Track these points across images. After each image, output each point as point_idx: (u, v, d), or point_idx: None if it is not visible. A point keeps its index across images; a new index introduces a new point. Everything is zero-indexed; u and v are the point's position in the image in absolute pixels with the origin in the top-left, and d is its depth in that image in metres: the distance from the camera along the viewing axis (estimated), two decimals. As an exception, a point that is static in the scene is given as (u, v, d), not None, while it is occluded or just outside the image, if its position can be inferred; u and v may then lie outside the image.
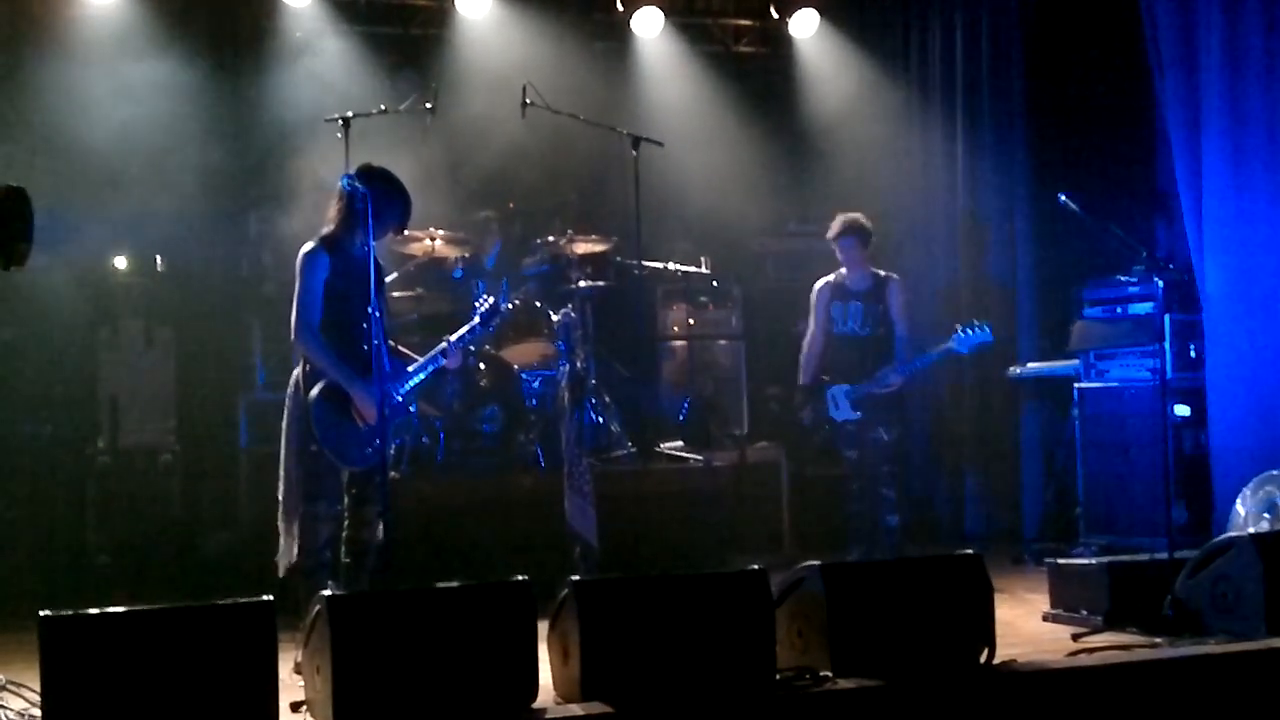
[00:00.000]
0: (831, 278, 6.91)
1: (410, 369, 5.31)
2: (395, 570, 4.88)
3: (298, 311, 5.01)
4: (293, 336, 5.05)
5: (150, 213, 7.45)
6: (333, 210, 5.15)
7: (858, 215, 6.84)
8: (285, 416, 5.05)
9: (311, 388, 4.96)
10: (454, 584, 4.23)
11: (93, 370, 7.29)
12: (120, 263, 7.63)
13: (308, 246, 5.08)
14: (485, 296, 5.74)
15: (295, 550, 4.95)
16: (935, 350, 6.71)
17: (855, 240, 6.77)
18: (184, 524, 7.12)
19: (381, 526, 4.92)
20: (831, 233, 6.83)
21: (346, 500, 5.06)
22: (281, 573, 4.96)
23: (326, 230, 5.13)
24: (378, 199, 4.94)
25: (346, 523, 5.06)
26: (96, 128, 7.26)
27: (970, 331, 6.59)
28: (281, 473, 5.02)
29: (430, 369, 5.35)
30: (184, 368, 7.43)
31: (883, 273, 6.87)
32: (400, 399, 5.27)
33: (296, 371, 5.07)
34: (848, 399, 6.72)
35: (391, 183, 5.16)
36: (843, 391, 6.73)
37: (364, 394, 4.96)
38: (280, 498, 5.02)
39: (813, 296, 6.95)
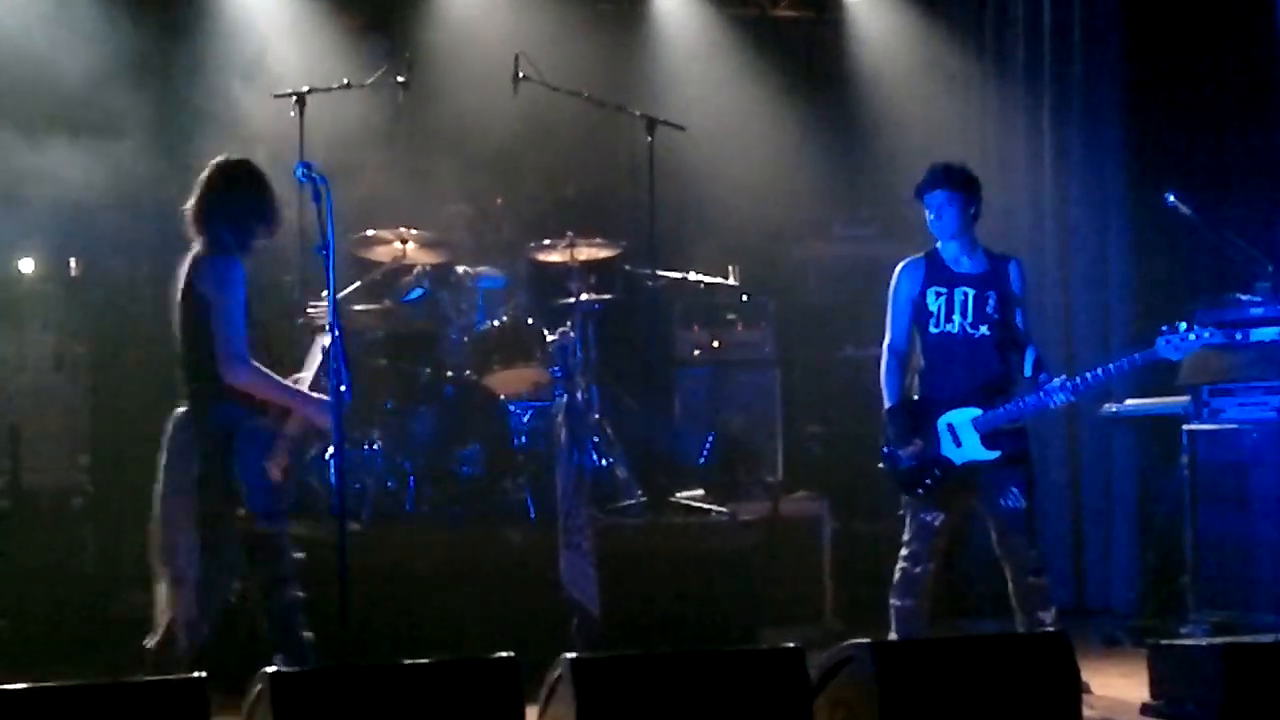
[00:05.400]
0: (922, 256, 6.03)
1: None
2: (353, 642, 4.92)
3: (229, 339, 5.03)
4: (222, 372, 5.03)
5: (64, 206, 7.51)
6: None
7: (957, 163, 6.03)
8: (175, 461, 5.10)
9: (228, 428, 5.05)
10: (424, 660, 4.26)
11: (-11, 395, 7.35)
12: (26, 265, 7.69)
13: (222, 254, 5.12)
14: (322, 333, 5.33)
15: (185, 623, 5.03)
16: (1133, 356, 5.86)
17: (952, 195, 5.89)
18: (98, 580, 7.15)
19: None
20: (919, 186, 5.98)
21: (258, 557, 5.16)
22: (156, 648, 5.06)
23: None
24: (244, 202, 5.09)
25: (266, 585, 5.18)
26: (-2, 103, 7.34)
27: (1183, 337, 5.72)
28: (165, 529, 5.08)
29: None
30: (101, 392, 7.48)
31: (998, 251, 6.08)
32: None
33: (184, 410, 5.13)
34: (976, 430, 5.81)
35: (261, 181, 5.26)
36: (967, 419, 5.81)
37: (320, 412, 5.12)
38: (164, 560, 5.07)
39: (893, 283, 6.03)
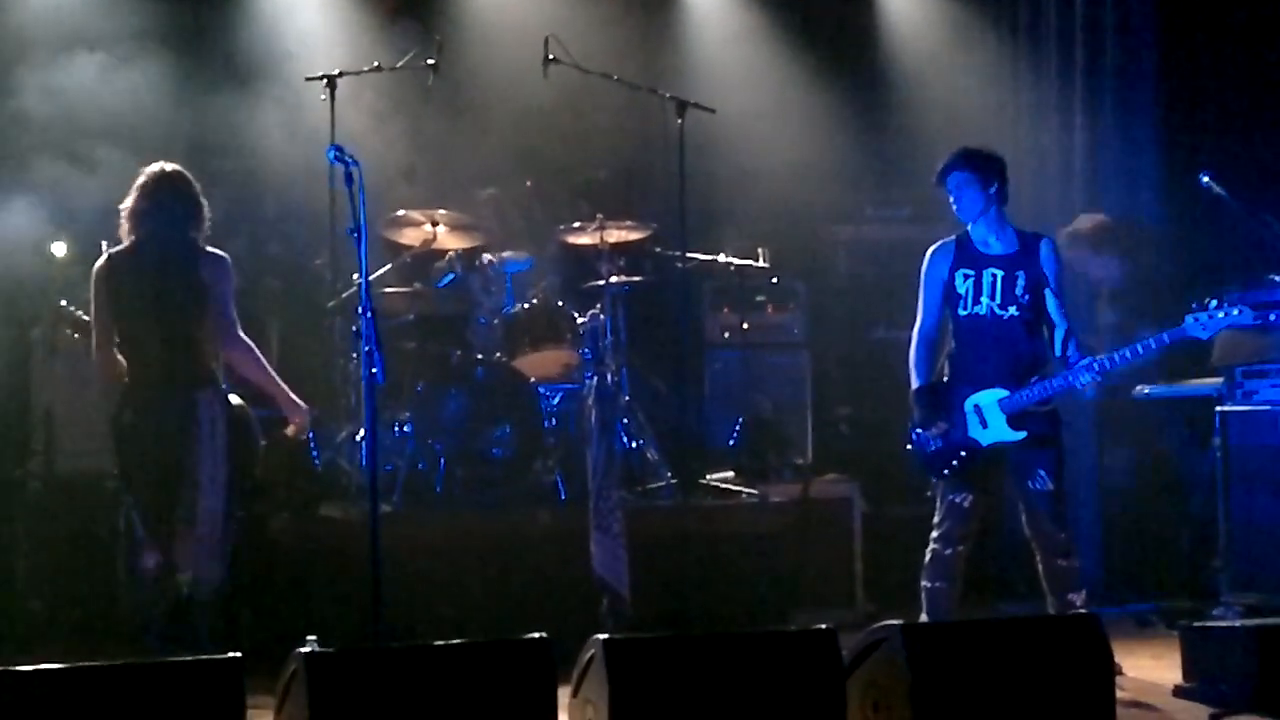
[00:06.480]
0: (952, 239, 6.05)
1: None
2: (385, 623, 4.95)
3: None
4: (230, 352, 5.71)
5: (94, 188, 7.53)
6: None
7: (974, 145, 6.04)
8: (218, 427, 5.54)
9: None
10: (457, 641, 4.27)
11: (23, 379, 7.38)
12: (58, 249, 7.72)
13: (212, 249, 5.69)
14: None
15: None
16: (1161, 335, 5.79)
17: (969, 176, 5.90)
18: (132, 564, 7.19)
19: None
20: (938, 172, 6.00)
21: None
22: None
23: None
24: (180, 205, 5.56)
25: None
26: (28, 87, 7.35)
27: (1211, 315, 5.68)
28: (211, 488, 5.49)
29: None
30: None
31: (1029, 231, 6.05)
32: None
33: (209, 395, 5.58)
34: (1002, 411, 5.83)
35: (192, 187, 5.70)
36: (994, 400, 5.82)
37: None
38: (210, 514, 5.49)
39: (924, 266, 6.07)
